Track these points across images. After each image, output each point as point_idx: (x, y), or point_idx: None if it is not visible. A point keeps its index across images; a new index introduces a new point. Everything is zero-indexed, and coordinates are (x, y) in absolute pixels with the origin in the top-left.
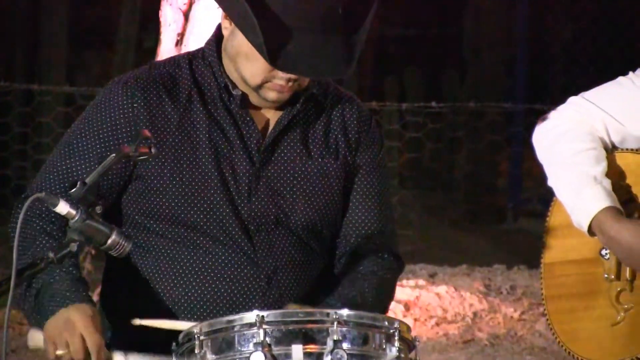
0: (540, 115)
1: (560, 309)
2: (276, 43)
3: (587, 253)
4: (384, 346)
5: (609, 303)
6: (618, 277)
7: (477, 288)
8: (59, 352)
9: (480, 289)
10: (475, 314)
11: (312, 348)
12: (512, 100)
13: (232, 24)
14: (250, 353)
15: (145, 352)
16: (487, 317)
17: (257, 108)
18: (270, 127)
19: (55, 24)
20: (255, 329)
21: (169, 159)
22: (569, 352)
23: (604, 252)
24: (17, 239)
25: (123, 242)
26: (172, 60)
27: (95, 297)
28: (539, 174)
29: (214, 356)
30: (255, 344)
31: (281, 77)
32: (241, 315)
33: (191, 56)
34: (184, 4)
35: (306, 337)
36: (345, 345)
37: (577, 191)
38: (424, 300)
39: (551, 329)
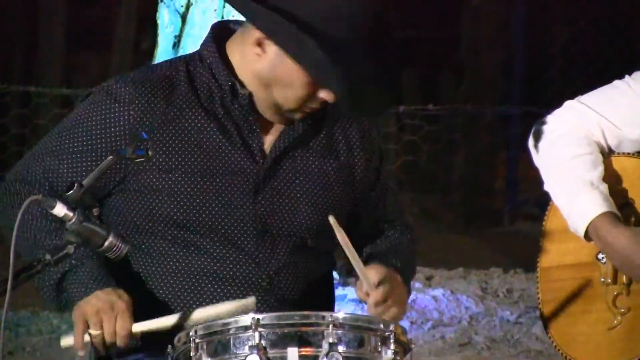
0: (537, 118)
1: (556, 313)
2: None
3: (583, 257)
4: (380, 349)
5: (605, 307)
6: (615, 281)
7: (474, 291)
8: (93, 331)
9: (477, 292)
10: (471, 317)
11: (308, 351)
12: (509, 103)
13: (266, 52)
14: (246, 356)
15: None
16: (483, 320)
17: (261, 112)
18: (277, 130)
19: (52, 25)
20: (250, 332)
21: (166, 162)
22: (566, 357)
23: (600, 256)
24: (14, 241)
25: (120, 244)
26: (168, 63)
27: None
28: (536, 177)
29: (209, 359)
30: (251, 347)
31: (318, 102)
32: (237, 318)
33: (188, 59)
34: (181, 7)
35: (301, 340)
36: (340, 348)
37: (574, 196)
38: (420, 303)
39: (548, 333)
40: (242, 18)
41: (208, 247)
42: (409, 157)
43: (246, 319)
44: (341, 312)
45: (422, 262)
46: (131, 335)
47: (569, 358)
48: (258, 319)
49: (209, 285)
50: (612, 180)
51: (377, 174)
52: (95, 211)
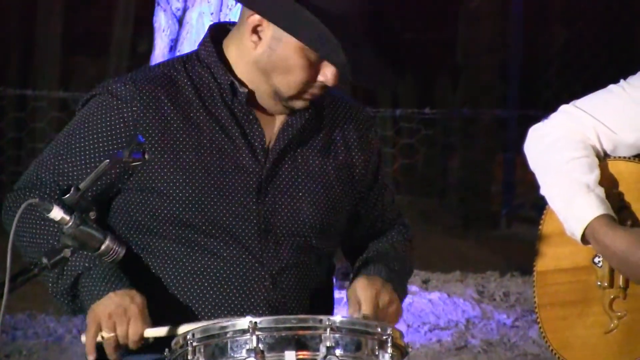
0: (533, 121)
1: (553, 316)
2: (349, 58)
3: (580, 261)
4: (377, 352)
5: (602, 311)
6: (611, 284)
7: (471, 294)
8: (105, 334)
9: (474, 295)
10: (468, 320)
11: (305, 354)
12: (505, 106)
13: (262, 38)
14: (243, 359)
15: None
16: (480, 323)
17: (263, 109)
18: (278, 127)
19: (49, 28)
20: (248, 335)
21: (171, 161)
22: None
23: (596, 259)
24: (11, 243)
25: (117, 248)
26: (166, 63)
27: None
28: (533, 181)
29: None
30: (248, 350)
31: (318, 86)
32: (234, 321)
33: (185, 59)
34: (178, 10)
35: (299, 344)
36: (338, 352)
37: (570, 199)
38: (417, 306)
39: (544, 337)
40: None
41: (212, 246)
42: (406, 161)
43: (243, 323)
44: (338, 315)
45: (419, 265)
46: (143, 339)
47: None
48: (255, 323)
49: (213, 285)
50: (608, 184)
51: (376, 174)
52: (92, 215)
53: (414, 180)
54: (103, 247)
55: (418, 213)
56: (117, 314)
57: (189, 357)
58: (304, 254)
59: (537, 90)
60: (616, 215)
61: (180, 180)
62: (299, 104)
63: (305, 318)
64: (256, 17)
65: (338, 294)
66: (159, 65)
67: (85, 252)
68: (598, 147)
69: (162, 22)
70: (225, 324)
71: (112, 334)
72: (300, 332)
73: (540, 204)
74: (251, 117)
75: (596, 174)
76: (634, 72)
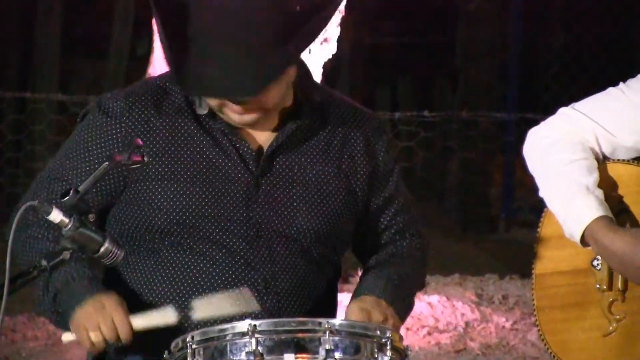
0: (532, 124)
1: (551, 319)
2: (186, 64)
3: (578, 264)
4: (376, 355)
5: (600, 313)
6: (610, 287)
7: (469, 297)
8: (92, 335)
9: (472, 298)
10: (467, 323)
11: (304, 357)
12: (504, 109)
13: None
14: None
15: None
16: (479, 326)
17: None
18: (271, 136)
19: (48, 31)
20: (247, 338)
21: (159, 170)
22: None
23: (595, 262)
24: (10, 247)
25: (116, 251)
26: (164, 75)
27: None
28: (532, 184)
29: None
30: (247, 353)
31: (228, 109)
32: (233, 324)
33: None
34: None
35: (298, 346)
36: (337, 355)
37: (569, 201)
38: (415, 309)
39: (543, 340)
40: None
41: (204, 250)
42: (405, 164)
43: (243, 325)
44: (338, 318)
45: None
46: (132, 329)
47: None
48: (255, 325)
49: (206, 289)
50: (607, 186)
51: (385, 182)
52: (91, 217)
53: (413, 183)
54: (102, 249)
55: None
56: (97, 312)
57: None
58: (300, 258)
59: (537, 93)
60: (615, 217)
61: (169, 191)
62: (233, 118)
63: (305, 321)
64: None
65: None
66: (157, 77)
67: (65, 269)
68: (597, 149)
69: None
70: (224, 326)
71: (98, 332)
72: (300, 335)
73: (539, 207)
74: (231, 129)
75: (595, 176)
76: (633, 75)
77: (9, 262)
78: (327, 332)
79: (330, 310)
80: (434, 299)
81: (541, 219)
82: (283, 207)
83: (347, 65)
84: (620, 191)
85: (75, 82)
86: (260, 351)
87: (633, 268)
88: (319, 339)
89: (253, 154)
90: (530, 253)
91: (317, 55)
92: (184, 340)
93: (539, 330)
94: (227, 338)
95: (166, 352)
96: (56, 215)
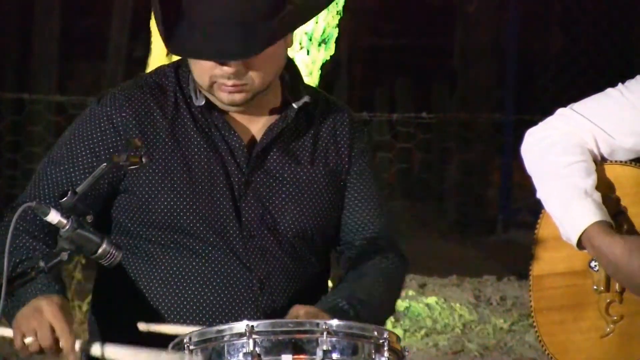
0: (530, 126)
1: (549, 321)
2: (175, 28)
3: (576, 265)
4: (374, 356)
5: (598, 315)
6: (607, 288)
7: (467, 299)
8: (27, 340)
9: (470, 299)
10: (465, 324)
11: (302, 358)
12: (502, 111)
13: None
14: None
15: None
16: (476, 328)
17: (239, 115)
18: (260, 135)
19: (46, 33)
20: (244, 339)
21: (160, 167)
22: None
23: (592, 264)
24: (8, 247)
25: (114, 252)
26: (158, 70)
27: (85, 307)
28: (529, 185)
29: None
30: (245, 354)
31: (221, 75)
32: (231, 325)
33: (177, 64)
34: None
35: (296, 347)
36: (334, 356)
37: (567, 204)
38: (413, 310)
39: (540, 342)
40: None
41: (200, 250)
42: (403, 165)
43: (240, 326)
44: (335, 319)
45: (415, 269)
46: (73, 338)
47: None
48: (252, 326)
49: (201, 289)
50: (605, 188)
51: (370, 170)
52: (89, 218)
53: (411, 185)
54: (100, 250)
55: (415, 218)
56: (34, 318)
57: None
58: (290, 258)
59: (534, 94)
60: (612, 220)
61: (165, 186)
62: (222, 97)
63: (302, 322)
64: None
65: None
66: (150, 73)
67: (39, 284)
68: (595, 151)
69: None
70: (222, 327)
71: (34, 338)
72: (297, 336)
73: (537, 209)
74: (224, 123)
75: (593, 178)
76: (631, 77)
77: (7, 263)
78: (325, 333)
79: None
80: (432, 300)
81: (539, 221)
82: (272, 206)
83: (345, 66)
84: (618, 193)
85: (74, 83)
86: (258, 352)
87: (627, 275)
88: (317, 340)
89: (245, 150)
90: (528, 254)
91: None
92: (181, 341)
93: (536, 331)
94: (225, 339)
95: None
96: (54, 216)
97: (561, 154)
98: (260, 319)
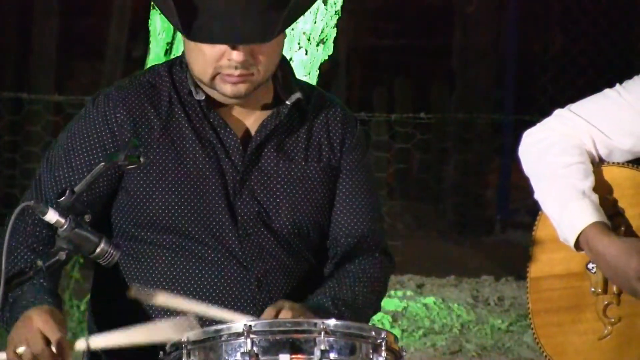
0: (529, 126)
1: (547, 323)
2: (191, 17)
3: (573, 267)
4: (371, 356)
5: (596, 317)
6: (605, 290)
7: (465, 299)
8: (19, 349)
9: (468, 300)
10: (463, 325)
11: (300, 358)
12: (501, 111)
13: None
14: None
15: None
16: (474, 328)
17: (234, 112)
18: (253, 132)
19: (45, 32)
20: (242, 339)
21: (154, 167)
22: None
23: (590, 266)
24: (6, 247)
25: (112, 251)
26: (151, 70)
27: (83, 306)
28: (528, 186)
29: None
30: (243, 354)
31: (228, 66)
32: (229, 324)
33: (171, 63)
34: None
35: (293, 347)
36: (332, 355)
37: (565, 205)
38: (411, 311)
39: (538, 344)
40: None
41: (196, 250)
42: (401, 165)
43: (238, 326)
44: (333, 319)
45: (413, 269)
46: (66, 344)
47: None
48: (250, 326)
49: (198, 289)
50: (602, 190)
51: (362, 165)
52: (87, 218)
53: (409, 185)
54: (98, 250)
55: (413, 218)
56: (24, 327)
57: None
58: (287, 255)
59: (533, 95)
60: (610, 221)
61: (159, 187)
62: (226, 89)
63: (300, 321)
64: None
65: None
66: (144, 72)
67: (31, 298)
68: (593, 152)
69: (157, 25)
70: (220, 327)
71: (25, 346)
72: (295, 336)
73: (535, 209)
74: (220, 121)
75: (591, 180)
76: (630, 77)
77: (5, 262)
78: (323, 333)
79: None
80: (430, 300)
81: (536, 222)
82: (267, 204)
83: (344, 66)
84: (615, 194)
85: (72, 83)
86: (256, 352)
87: (623, 277)
88: (314, 340)
89: (240, 148)
90: (525, 255)
91: (314, 56)
92: (179, 341)
93: (534, 333)
94: (223, 338)
95: (161, 352)
96: (52, 216)
97: (559, 155)
98: (259, 317)
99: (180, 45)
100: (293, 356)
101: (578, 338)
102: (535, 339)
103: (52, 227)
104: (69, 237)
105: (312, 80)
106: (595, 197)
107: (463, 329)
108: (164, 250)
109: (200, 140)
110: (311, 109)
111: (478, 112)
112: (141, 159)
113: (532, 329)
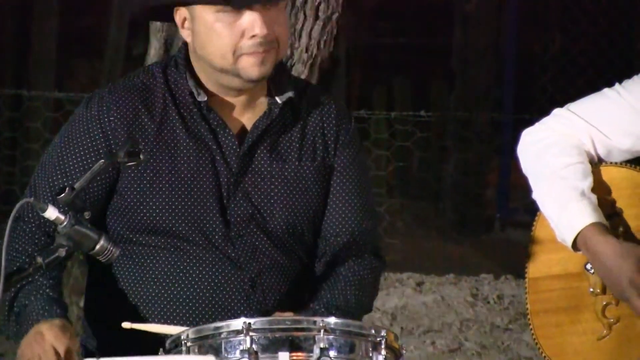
0: (529, 126)
1: (545, 323)
2: None
3: (571, 267)
4: (371, 354)
5: (594, 317)
6: (603, 291)
7: (465, 297)
8: None
9: (468, 298)
10: (462, 323)
11: (299, 356)
12: (500, 110)
13: (189, 28)
14: None
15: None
16: (474, 326)
17: (231, 113)
18: (247, 132)
19: (44, 29)
20: (242, 336)
21: (147, 170)
22: None
23: (588, 266)
24: (6, 244)
25: (111, 248)
26: (146, 70)
27: (82, 303)
28: (527, 185)
29: None
30: (242, 351)
31: (251, 44)
32: (228, 322)
33: (165, 64)
34: None
35: (293, 345)
36: (332, 353)
37: (564, 205)
38: (411, 309)
39: (537, 344)
40: None
41: (190, 251)
42: (400, 163)
43: (237, 323)
44: (332, 317)
45: (412, 268)
46: (77, 357)
47: None
48: (250, 323)
49: (192, 289)
50: (601, 190)
51: (355, 162)
52: (87, 214)
53: (409, 183)
54: (97, 246)
55: (412, 216)
56: (36, 342)
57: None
58: (281, 255)
59: (533, 94)
60: (608, 221)
61: (152, 189)
62: (251, 71)
63: (299, 319)
64: (180, 14)
65: None
66: (137, 73)
67: (28, 288)
68: (592, 152)
69: (157, 23)
70: (219, 324)
71: None
72: (295, 333)
73: (534, 208)
74: (220, 121)
75: (590, 180)
76: (629, 76)
77: (4, 260)
78: (322, 331)
79: (310, 295)
80: (429, 298)
81: (534, 223)
82: (261, 205)
83: (344, 64)
84: (613, 194)
85: (72, 80)
86: (255, 349)
87: (616, 280)
88: (314, 338)
89: (237, 149)
90: (525, 253)
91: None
92: (178, 338)
93: (532, 334)
94: (222, 336)
95: (160, 349)
96: (52, 213)
97: (558, 155)
98: (253, 317)
99: (179, 43)
100: (292, 354)
101: (577, 338)
102: (534, 340)
103: (50, 235)
104: (68, 233)
105: (313, 79)
106: (594, 197)
107: (462, 327)
108: (158, 252)
109: (195, 142)
110: (305, 107)
111: (478, 110)
112: (141, 156)
113: (531, 329)
